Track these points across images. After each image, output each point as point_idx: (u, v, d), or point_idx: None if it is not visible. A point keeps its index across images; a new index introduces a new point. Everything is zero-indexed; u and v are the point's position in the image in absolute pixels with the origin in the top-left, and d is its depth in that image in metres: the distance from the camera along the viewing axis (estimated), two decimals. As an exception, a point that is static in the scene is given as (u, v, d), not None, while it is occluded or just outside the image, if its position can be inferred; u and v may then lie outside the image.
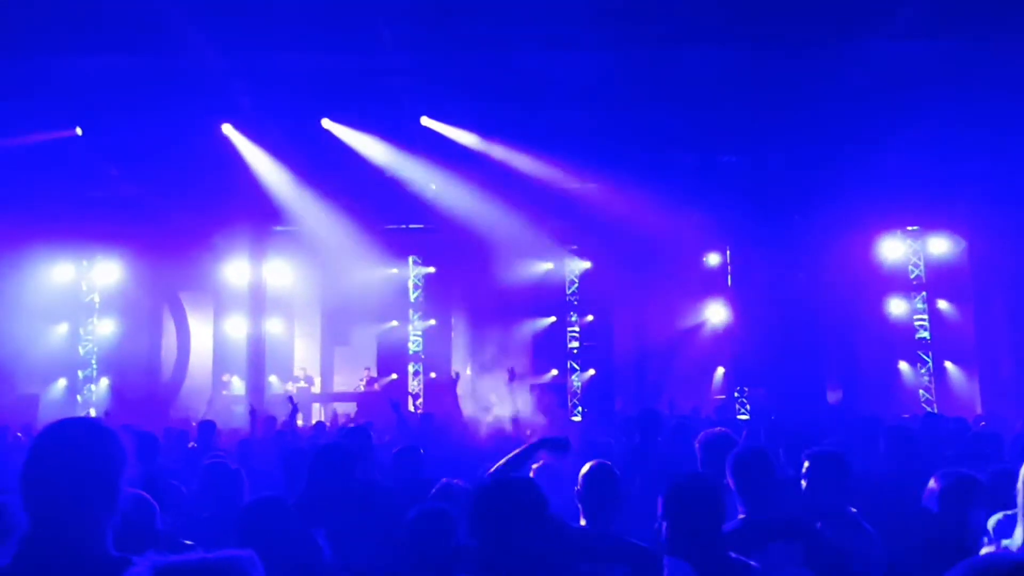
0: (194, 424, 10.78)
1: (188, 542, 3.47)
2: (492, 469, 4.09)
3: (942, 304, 17.73)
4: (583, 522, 4.00)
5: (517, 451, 4.16)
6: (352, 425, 10.79)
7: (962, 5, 10.64)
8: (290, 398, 10.96)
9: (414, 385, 18.58)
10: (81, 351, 17.98)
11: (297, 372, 19.48)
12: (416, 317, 18.86)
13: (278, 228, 16.67)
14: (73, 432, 2.22)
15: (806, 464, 4.12)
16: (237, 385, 18.09)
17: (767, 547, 3.45)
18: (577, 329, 18.91)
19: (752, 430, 7.27)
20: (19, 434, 10.16)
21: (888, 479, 4.99)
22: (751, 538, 3.49)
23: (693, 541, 3.11)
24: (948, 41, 11.68)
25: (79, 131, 13.55)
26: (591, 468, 4.09)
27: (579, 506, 4.03)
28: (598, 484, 4.01)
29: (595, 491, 3.99)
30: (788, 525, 3.60)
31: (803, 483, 4.09)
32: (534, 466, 4.80)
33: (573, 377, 18.67)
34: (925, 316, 17.66)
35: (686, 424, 7.14)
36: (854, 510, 4.00)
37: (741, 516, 3.70)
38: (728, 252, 18.14)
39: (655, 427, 6.54)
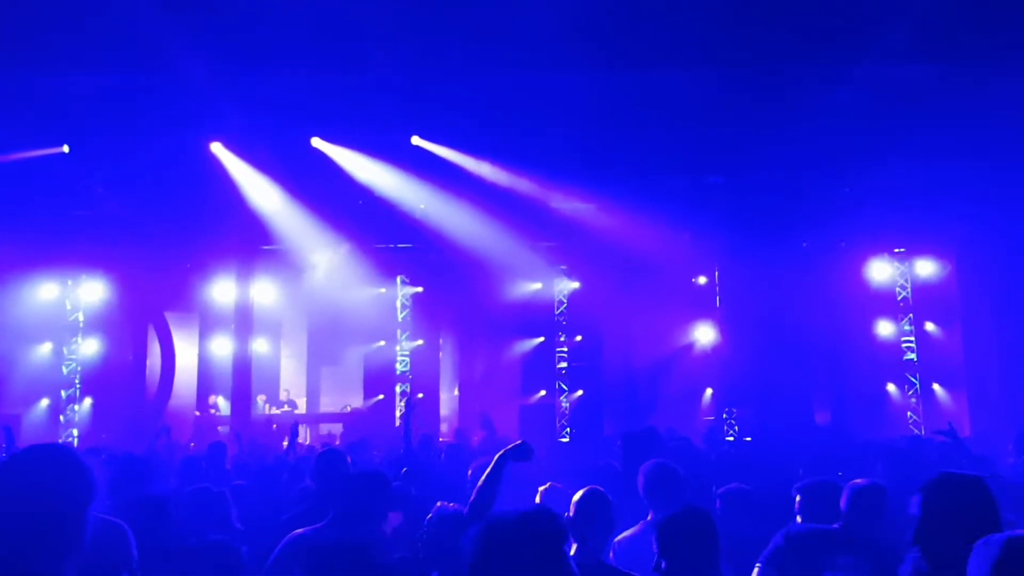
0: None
1: None
2: (473, 497, 4.05)
3: (929, 326, 17.80)
4: (574, 548, 3.96)
5: (487, 472, 4.11)
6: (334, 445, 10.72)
7: (949, 30, 10.72)
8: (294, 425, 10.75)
9: (401, 406, 18.45)
10: (64, 371, 17.78)
11: (282, 395, 19.36)
12: (404, 337, 18.77)
13: (266, 247, 16.59)
14: (38, 462, 2.10)
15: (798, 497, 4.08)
16: (223, 406, 17.94)
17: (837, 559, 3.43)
18: (566, 349, 18.86)
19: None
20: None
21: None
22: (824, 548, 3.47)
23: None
24: (936, 65, 11.76)
25: (66, 148, 13.44)
26: (583, 495, 4.07)
27: (569, 533, 3.99)
28: (589, 511, 3.98)
29: (587, 518, 3.96)
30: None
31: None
32: (541, 488, 4.75)
33: (561, 398, 18.59)
34: (912, 338, 17.72)
35: (679, 446, 7.08)
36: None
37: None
38: (717, 273, 18.17)
39: (644, 449, 6.41)
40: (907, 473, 5.43)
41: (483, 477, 4.09)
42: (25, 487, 2.01)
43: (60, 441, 16.28)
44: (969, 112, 12.28)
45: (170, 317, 18.29)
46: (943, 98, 12.24)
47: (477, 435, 12.91)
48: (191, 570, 3.33)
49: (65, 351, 17.89)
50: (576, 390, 18.65)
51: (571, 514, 4.01)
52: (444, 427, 17.79)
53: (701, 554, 3.09)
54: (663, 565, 3.10)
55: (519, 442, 4.27)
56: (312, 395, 20.24)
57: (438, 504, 4.59)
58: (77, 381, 17.83)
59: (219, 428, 16.82)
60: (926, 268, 17.78)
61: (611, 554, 4.22)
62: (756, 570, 3.51)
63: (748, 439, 14.74)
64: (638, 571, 3.69)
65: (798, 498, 4.10)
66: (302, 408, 19.39)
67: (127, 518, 4.24)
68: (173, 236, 15.71)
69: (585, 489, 4.13)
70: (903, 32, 10.64)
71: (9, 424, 9.74)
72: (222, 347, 18.02)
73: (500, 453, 4.19)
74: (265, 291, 18.06)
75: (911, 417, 17.27)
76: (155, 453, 9.29)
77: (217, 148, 13.84)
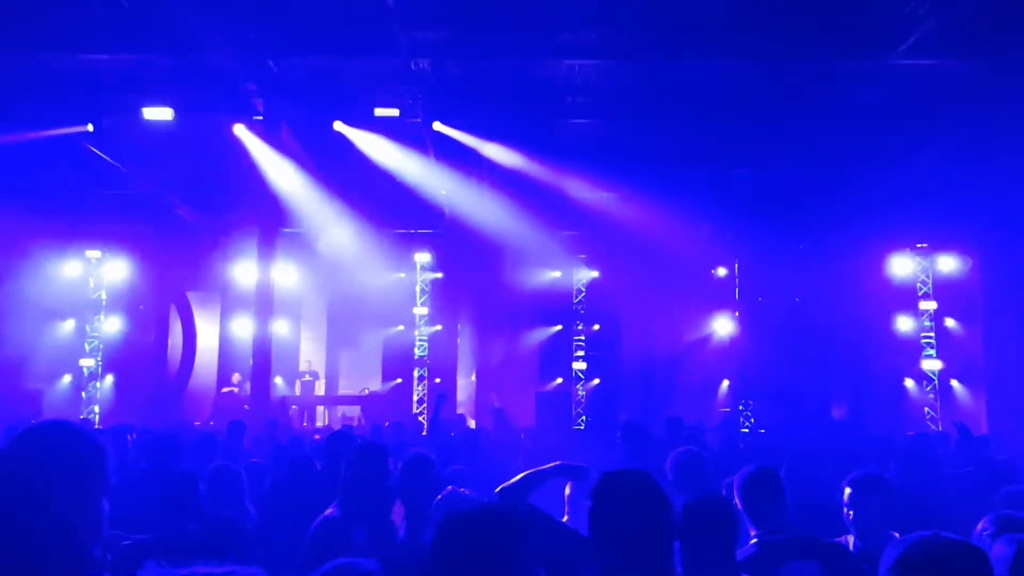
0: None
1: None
2: (501, 488, 4.02)
3: (950, 322, 17.67)
4: None
5: (531, 472, 4.05)
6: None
7: (976, 26, 10.63)
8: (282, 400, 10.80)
9: (419, 390, 18.56)
10: (87, 347, 18.00)
11: (303, 366, 19.48)
12: (422, 322, 18.85)
13: (287, 230, 16.68)
14: (44, 441, 1.94)
15: (848, 490, 4.07)
16: (245, 385, 18.10)
17: (781, 569, 3.42)
18: (583, 338, 18.89)
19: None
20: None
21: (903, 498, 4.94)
22: (768, 561, 3.46)
23: (707, 563, 3.07)
24: (961, 61, 11.66)
25: (90, 127, 13.57)
26: None
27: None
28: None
29: None
30: (803, 544, 3.57)
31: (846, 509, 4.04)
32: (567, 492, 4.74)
33: (578, 386, 18.63)
34: (932, 334, 17.60)
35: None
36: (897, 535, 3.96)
37: (753, 540, 3.66)
38: (737, 265, 18.11)
39: (641, 440, 6.46)
40: (918, 470, 5.43)
41: (525, 475, 4.02)
42: (27, 468, 1.87)
43: (80, 418, 16.51)
44: (995, 108, 12.17)
45: (192, 297, 18.47)
46: (969, 94, 12.13)
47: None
48: (198, 547, 3.39)
49: (88, 328, 18.10)
50: (593, 379, 18.68)
51: None
52: (460, 412, 17.87)
53: (717, 541, 3.11)
54: (676, 546, 3.13)
55: (583, 466, 4.20)
56: (331, 377, 20.36)
57: (448, 488, 4.64)
58: (99, 358, 18.05)
59: (244, 407, 16.96)
60: (948, 264, 17.62)
61: None
62: None
63: (762, 431, 14.72)
64: None
65: (848, 490, 4.09)
66: (321, 386, 19.53)
67: (158, 493, 4.33)
68: (196, 216, 15.84)
69: None
70: (930, 29, 10.56)
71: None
72: (243, 328, 18.16)
73: (559, 464, 4.09)
74: (286, 273, 18.17)
75: (928, 413, 17.17)
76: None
77: (240, 130, 13.92)
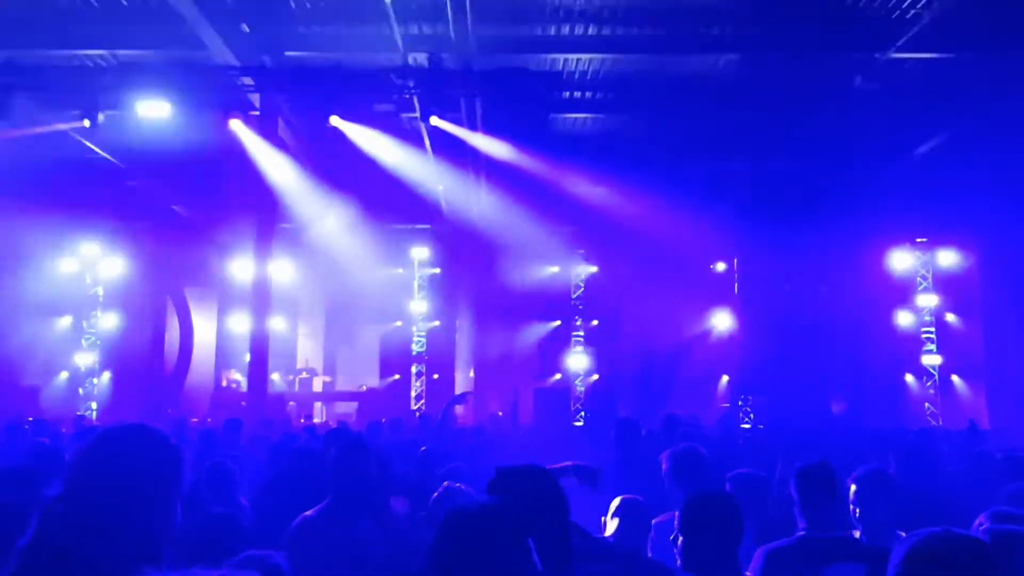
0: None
1: None
2: None
3: (950, 317, 17.62)
4: (613, 527, 3.99)
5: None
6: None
7: (975, 21, 10.58)
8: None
9: (417, 386, 18.51)
10: (84, 344, 17.94)
11: (300, 364, 19.43)
12: (420, 318, 18.79)
13: (284, 225, 16.61)
14: (121, 444, 1.98)
15: (853, 487, 4.03)
16: (242, 382, 18.05)
17: (826, 569, 3.37)
18: (582, 333, 18.83)
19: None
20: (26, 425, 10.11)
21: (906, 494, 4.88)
22: (808, 557, 3.42)
23: (708, 558, 3.03)
24: (961, 54, 11.61)
25: (87, 123, 13.49)
26: (623, 503, 4.07)
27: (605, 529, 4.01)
28: (631, 521, 4.00)
29: (625, 524, 3.98)
30: (849, 545, 3.52)
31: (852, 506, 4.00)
32: None
33: (576, 381, 18.58)
34: (932, 329, 17.55)
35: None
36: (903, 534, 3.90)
37: (800, 533, 3.62)
38: (736, 261, 18.06)
39: (634, 438, 6.44)
40: (919, 466, 5.38)
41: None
42: (107, 471, 1.92)
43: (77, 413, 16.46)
44: (995, 103, 12.12)
45: (189, 293, 18.41)
46: (969, 89, 12.09)
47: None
48: (194, 541, 3.34)
49: (85, 325, 18.04)
50: (592, 375, 18.63)
51: (609, 517, 4.03)
52: (459, 408, 17.82)
53: (717, 536, 3.07)
54: (680, 540, 3.09)
55: (589, 466, 4.17)
56: (328, 373, 20.32)
57: (445, 484, 4.59)
58: (96, 355, 17.98)
59: (242, 403, 16.91)
60: (948, 258, 17.58)
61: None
62: None
63: (761, 427, 14.68)
64: (670, 550, 3.68)
65: (853, 487, 4.05)
66: (318, 382, 19.47)
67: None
68: (193, 212, 15.77)
69: (623, 499, 4.15)
70: (929, 23, 10.50)
71: None
72: (240, 324, 18.10)
73: (573, 464, 4.07)
74: (283, 269, 18.10)
75: (928, 408, 17.12)
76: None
77: (236, 125, 13.83)
